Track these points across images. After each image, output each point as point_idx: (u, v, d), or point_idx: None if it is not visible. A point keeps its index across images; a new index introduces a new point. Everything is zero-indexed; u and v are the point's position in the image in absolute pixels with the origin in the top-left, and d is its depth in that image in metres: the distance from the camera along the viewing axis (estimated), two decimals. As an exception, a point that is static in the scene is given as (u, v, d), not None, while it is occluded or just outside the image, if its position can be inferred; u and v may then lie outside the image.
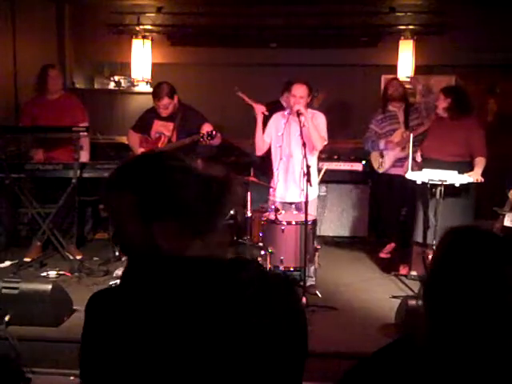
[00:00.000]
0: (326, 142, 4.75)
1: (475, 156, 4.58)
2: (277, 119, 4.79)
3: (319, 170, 4.97)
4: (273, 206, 4.55)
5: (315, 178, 4.64)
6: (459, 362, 1.19)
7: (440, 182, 4.27)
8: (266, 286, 1.17)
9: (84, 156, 5.29)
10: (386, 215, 5.90)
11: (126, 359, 1.12)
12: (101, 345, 1.16)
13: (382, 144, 5.47)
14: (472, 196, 4.65)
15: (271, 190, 4.79)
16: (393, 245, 5.71)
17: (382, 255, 5.70)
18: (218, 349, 1.10)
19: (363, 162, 6.24)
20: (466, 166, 4.55)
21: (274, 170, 4.79)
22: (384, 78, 6.88)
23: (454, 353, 1.20)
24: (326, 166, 6.11)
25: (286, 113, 4.75)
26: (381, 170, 5.62)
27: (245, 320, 1.11)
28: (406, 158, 5.33)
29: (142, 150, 4.97)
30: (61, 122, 5.16)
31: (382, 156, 5.58)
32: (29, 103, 5.45)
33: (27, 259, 5.10)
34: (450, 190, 4.37)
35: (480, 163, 4.52)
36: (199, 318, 1.10)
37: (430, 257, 4.62)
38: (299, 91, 4.50)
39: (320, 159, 5.55)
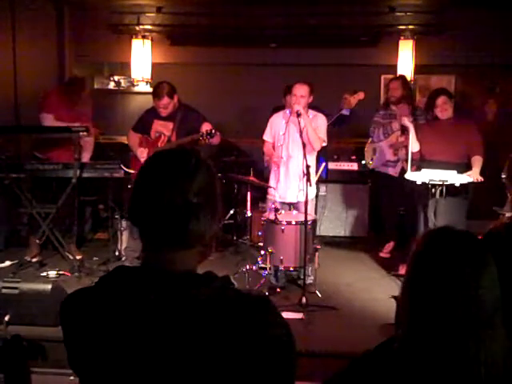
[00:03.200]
0: (325, 144, 4.76)
1: (473, 155, 4.56)
2: (277, 119, 4.84)
3: (318, 168, 4.97)
4: (272, 206, 4.54)
5: (313, 177, 4.66)
6: (433, 357, 1.24)
7: (440, 182, 4.27)
8: (226, 304, 1.13)
9: (84, 157, 5.29)
10: (383, 214, 5.91)
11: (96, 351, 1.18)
12: (74, 338, 1.22)
13: (381, 134, 5.50)
14: (469, 195, 4.64)
15: (270, 189, 4.79)
16: (392, 243, 5.71)
17: (382, 255, 5.70)
18: (164, 357, 1.12)
19: (363, 161, 6.24)
20: (464, 167, 4.54)
21: (275, 169, 4.80)
22: (384, 77, 6.88)
23: (427, 348, 1.25)
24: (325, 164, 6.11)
25: (287, 111, 4.78)
26: (370, 166, 5.66)
27: (195, 334, 1.10)
28: (396, 161, 5.35)
29: (141, 149, 4.97)
30: (79, 121, 5.22)
31: (374, 153, 5.60)
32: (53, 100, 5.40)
33: (28, 258, 5.11)
34: (449, 190, 4.36)
35: (478, 162, 4.50)
36: (148, 324, 1.13)
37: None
38: (300, 91, 4.53)
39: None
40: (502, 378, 1.22)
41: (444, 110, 4.62)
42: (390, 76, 6.61)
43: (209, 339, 1.10)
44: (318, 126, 4.65)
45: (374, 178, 5.93)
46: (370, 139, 5.71)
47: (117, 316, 1.15)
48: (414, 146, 4.64)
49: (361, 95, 5.43)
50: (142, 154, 4.93)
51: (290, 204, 4.77)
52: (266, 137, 4.90)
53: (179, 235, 1.17)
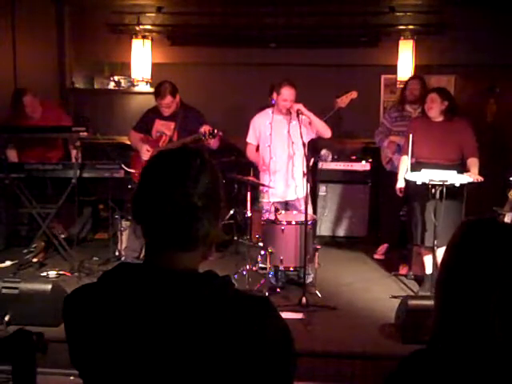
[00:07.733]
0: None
1: (468, 157, 4.50)
2: (260, 120, 4.82)
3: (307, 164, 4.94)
4: (267, 207, 4.55)
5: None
6: (469, 360, 1.18)
7: (441, 183, 4.25)
8: (226, 303, 1.14)
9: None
10: (384, 215, 5.84)
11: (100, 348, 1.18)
12: (78, 335, 1.22)
13: (386, 143, 5.44)
14: (464, 196, 4.61)
15: (263, 191, 4.78)
16: (386, 245, 5.69)
17: (377, 256, 5.68)
18: (165, 355, 1.12)
19: (363, 161, 6.23)
20: (459, 169, 4.48)
21: (265, 172, 4.78)
22: (384, 77, 6.88)
23: (463, 350, 1.19)
24: (326, 165, 6.11)
25: (269, 112, 4.77)
26: (388, 168, 5.53)
27: (195, 332, 1.11)
28: None
29: (146, 147, 4.89)
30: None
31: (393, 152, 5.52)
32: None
33: (35, 260, 5.13)
34: (447, 191, 4.33)
35: (474, 164, 4.45)
36: (149, 322, 1.13)
37: (425, 258, 4.59)
38: (291, 95, 4.54)
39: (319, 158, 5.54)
40: None
41: (429, 108, 4.53)
42: (390, 76, 6.61)
43: (208, 338, 1.10)
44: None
45: (385, 177, 5.59)
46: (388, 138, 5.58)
47: (119, 313, 1.15)
48: None
49: (353, 94, 5.37)
50: (146, 154, 4.87)
51: (286, 203, 4.77)
52: (250, 139, 4.88)
53: (183, 238, 1.17)
